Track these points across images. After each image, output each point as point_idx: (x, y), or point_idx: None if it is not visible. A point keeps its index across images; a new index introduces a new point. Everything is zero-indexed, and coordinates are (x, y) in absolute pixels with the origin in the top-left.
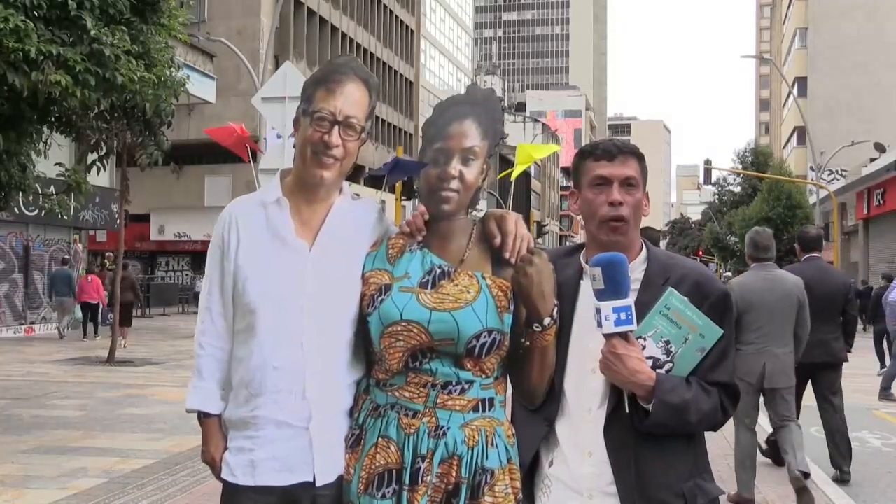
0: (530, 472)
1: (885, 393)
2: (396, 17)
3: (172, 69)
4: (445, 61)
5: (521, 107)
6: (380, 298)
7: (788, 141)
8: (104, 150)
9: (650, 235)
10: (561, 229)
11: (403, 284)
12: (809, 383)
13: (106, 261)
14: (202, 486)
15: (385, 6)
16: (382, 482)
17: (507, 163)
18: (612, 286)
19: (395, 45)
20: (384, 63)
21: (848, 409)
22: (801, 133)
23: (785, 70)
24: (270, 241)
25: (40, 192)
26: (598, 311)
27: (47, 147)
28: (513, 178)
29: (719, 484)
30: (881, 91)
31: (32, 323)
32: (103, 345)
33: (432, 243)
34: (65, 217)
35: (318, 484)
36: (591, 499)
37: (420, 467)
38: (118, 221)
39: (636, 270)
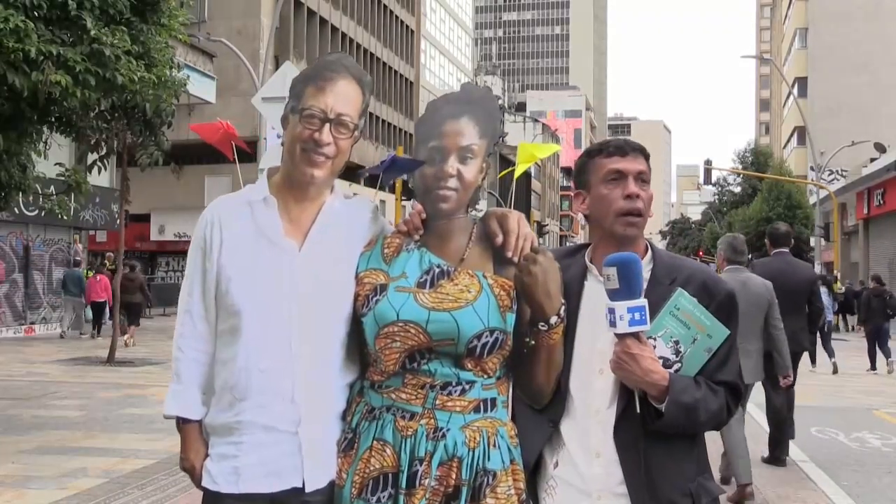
0: (533, 474)
1: None
2: (396, 17)
3: (172, 69)
4: (445, 61)
5: (521, 107)
6: (375, 299)
7: (788, 141)
8: (104, 151)
9: None
10: (561, 229)
11: (400, 284)
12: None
13: (106, 261)
14: None
15: (385, 6)
16: (377, 486)
17: (506, 162)
18: (627, 286)
19: (395, 45)
20: (384, 63)
21: (848, 409)
22: (801, 133)
23: (785, 70)
24: (256, 241)
25: (40, 192)
26: (611, 311)
27: (47, 147)
28: (515, 176)
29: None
30: (881, 91)
31: (32, 323)
32: (103, 345)
33: (430, 242)
34: (65, 217)
35: (307, 490)
36: (600, 500)
37: (418, 470)
38: (118, 221)
39: (643, 270)
